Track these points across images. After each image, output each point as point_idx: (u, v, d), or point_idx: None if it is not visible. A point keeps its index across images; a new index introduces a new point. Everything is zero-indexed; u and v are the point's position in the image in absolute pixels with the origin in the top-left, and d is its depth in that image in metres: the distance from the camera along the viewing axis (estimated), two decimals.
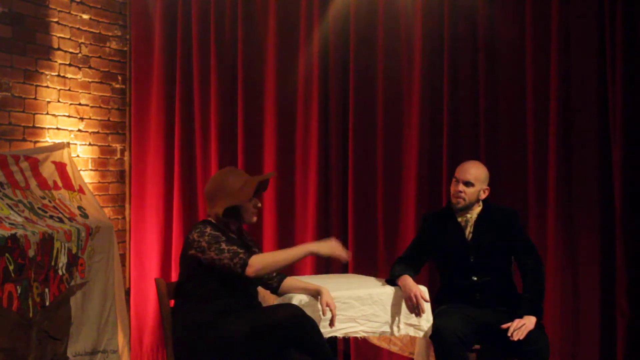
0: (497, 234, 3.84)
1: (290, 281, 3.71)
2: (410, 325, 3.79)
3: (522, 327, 3.58)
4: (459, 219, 3.91)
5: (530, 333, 3.60)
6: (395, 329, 3.78)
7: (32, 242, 3.77)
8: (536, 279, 3.78)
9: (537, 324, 3.67)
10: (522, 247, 3.85)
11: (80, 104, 4.99)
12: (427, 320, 3.78)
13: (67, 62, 4.87)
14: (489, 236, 3.85)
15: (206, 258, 3.40)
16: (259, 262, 3.39)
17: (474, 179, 3.85)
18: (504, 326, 3.62)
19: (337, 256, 3.51)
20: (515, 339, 3.55)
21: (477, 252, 3.83)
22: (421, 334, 3.79)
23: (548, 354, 3.63)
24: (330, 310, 3.52)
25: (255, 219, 3.62)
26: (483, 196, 3.90)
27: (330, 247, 3.49)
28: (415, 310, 3.72)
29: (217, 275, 3.42)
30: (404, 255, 4.03)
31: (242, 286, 3.48)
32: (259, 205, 3.62)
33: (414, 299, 3.70)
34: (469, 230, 3.88)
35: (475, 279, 3.83)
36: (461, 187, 3.84)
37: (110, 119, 5.27)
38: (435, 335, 3.65)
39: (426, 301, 3.74)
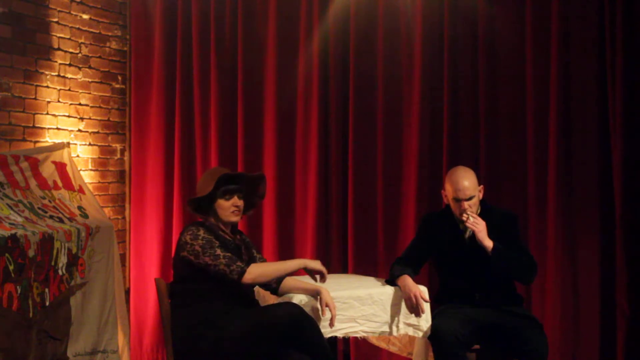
0: (495, 235, 3.82)
1: (290, 281, 3.70)
2: (410, 325, 3.79)
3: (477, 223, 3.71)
4: (459, 221, 3.89)
5: (529, 332, 3.63)
6: (394, 328, 3.78)
7: (32, 242, 3.77)
8: (523, 254, 3.82)
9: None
10: (517, 249, 3.84)
11: (80, 104, 4.99)
12: (426, 320, 3.78)
13: (67, 62, 4.87)
14: (488, 237, 3.84)
15: (199, 262, 3.41)
16: (256, 271, 3.42)
17: (473, 190, 3.82)
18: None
19: (321, 270, 3.63)
20: (464, 219, 3.71)
21: (475, 252, 3.83)
22: (420, 334, 3.79)
23: (547, 353, 3.63)
24: (330, 310, 3.51)
25: (234, 218, 3.59)
26: (481, 196, 3.90)
27: (319, 263, 3.64)
28: (415, 310, 3.72)
29: (210, 278, 3.42)
30: (403, 255, 4.02)
31: (235, 288, 3.48)
32: (238, 204, 3.58)
33: (414, 299, 3.69)
34: (468, 231, 3.87)
35: (474, 279, 3.83)
36: (466, 205, 3.79)
37: (110, 119, 5.27)
38: (434, 336, 3.65)
39: (426, 301, 3.74)
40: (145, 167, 5.32)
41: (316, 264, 3.62)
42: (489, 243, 3.72)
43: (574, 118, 4.41)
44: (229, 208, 3.55)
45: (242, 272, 3.38)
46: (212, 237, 3.46)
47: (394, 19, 4.80)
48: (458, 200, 3.80)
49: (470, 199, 3.79)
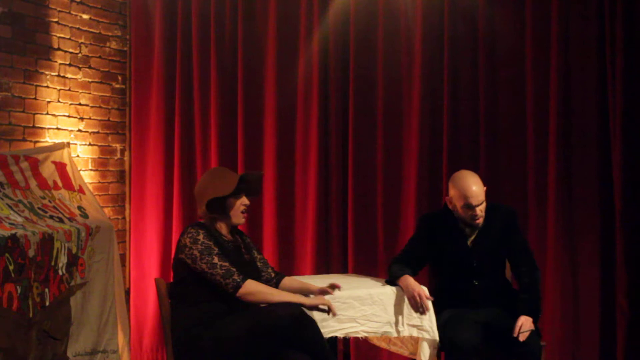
0: (498, 238, 3.82)
1: (289, 281, 3.71)
2: (414, 326, 3.77)
3: (525, 328, 3.58)
4: (461, 225, 3.85)
5: None
6: (399, 329, 3.77)
7: (32, 242, 3.77)
8: (532, 281, 3.77)
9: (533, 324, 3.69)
10: (517, 249, 3.83)
11: (80, 104, 4.99)
12: (429, 319, 3.77)
13: (67, 62, 4.87)
14: (491, 241, 3.82)
15: (196, 267, 3.41)
16: (251, 288, 3.39)
17: (482, 194, 3.77)
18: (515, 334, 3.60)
19: (319, 307, 3.44)
20: (522, 340, 3.55)
21: (479, 257, 3.81)
22: (425, 334, 3.77)
23: (541, 353, 3.63)
24: (329, 308, 3.49)
25: (243, 220, 3.59)
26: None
27: (315, 300, 3.46)
28: (420, 309, 3.70)
29: (207, 281, 3.42)
30: (400, 255, 3.98)
31: None
32: (247, 203, 3.58)
33: (418, 298, 3.68)
34: (472, 236, 3.85)
35: (476, 283, 3.81)
36: (478, 210, 3.75)
37: (110, 119, 5.27)
38: (452, 348, 3.63)
39: (429, 299, 3.72)
40: (145, 167, 5.32)
41: (311, 302, 3.44)
42: (530, 323, 3.65)
43: (574, 118, 4.41)
44: (239, 208, 3.56)
45: (238, 287, 3.38)
46: (212, 242, 3.45)
47: (394, 19, 4.80)
48: (471, 207, 3.75)
49: (481, 203, 3.76)
